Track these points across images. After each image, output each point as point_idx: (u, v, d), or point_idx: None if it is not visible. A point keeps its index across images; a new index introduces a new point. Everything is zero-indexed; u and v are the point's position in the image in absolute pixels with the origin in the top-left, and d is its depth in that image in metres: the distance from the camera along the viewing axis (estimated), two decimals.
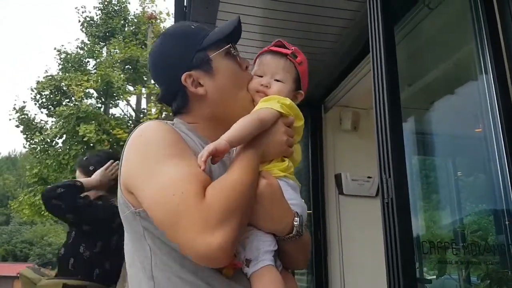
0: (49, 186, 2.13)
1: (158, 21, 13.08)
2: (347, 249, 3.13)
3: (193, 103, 0.92)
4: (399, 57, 1.41)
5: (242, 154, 0.82)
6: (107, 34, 12.33)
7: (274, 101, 0.91)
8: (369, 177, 3.34)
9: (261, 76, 0.97)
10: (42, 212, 10.80)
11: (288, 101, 0.93)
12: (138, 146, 0.83)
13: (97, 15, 12.58)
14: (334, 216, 3.19)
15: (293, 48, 1.01)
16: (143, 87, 11.94)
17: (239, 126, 0.82)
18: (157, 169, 0.75)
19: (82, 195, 1.95)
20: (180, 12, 2.99)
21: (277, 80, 0.96)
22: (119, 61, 11.50)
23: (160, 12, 13.15)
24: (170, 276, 0.76)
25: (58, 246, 38.97)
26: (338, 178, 3.30)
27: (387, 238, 1.11)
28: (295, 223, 0.84)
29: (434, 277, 1.85)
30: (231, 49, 0.94)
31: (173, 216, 0.71)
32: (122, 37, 12.26)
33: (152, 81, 12.60)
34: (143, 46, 12.40)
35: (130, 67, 11.75)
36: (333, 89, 3.29)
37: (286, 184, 0.88)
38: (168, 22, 16.02)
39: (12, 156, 75.33)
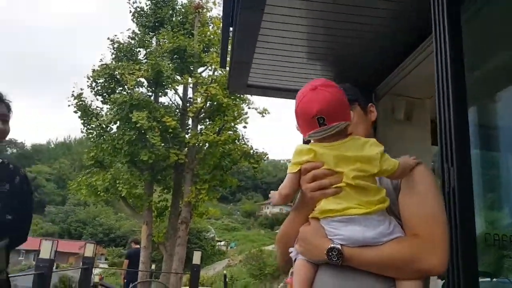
0: None
1: (205, 10, 13.25)
2: None
3: None
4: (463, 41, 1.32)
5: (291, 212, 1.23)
6: (156, 24, 12.65)
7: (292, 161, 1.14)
8: None
9: None
10: (98, 193, 11.55)
11: (297, 149, 1.13)
12: None
13: (147, 6, 12.94)
14: None
15: None
16: (190, 76, 12.22)
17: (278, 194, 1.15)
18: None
19: None
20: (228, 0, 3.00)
21: None
22: (167, 50, 11.82)
23: (207, 1, 13.26)
24: None
25: (109, 226, 41.41)
26: None
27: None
28: (329, 254, 1.06)
29: (490, 273, 1.74)
30: None
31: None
32: (170, 26, 12.53)
33: (199, 70, 12.86)
34: (190, 36, 12.64)
35: (177, 56, 12.05)
36: (386, 76, 3.16)
37: (328, 222, 1.08)
38: (215, 11, 16.15)
39: (67, 142, 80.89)
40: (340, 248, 1.05)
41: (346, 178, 1.06)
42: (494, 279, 1.75)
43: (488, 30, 1.80)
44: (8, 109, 1.65)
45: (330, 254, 1.05)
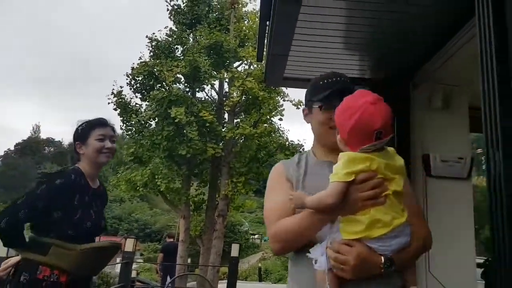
0: None
1: (240, 5, 13.33)
2: (433, 234, 2.97)
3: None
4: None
5: (312, 213, 1.20)
6: (193, 21, 12.83)
7: (339, 167, 1.14)
8: (460, 158, 3.13)
9: None
10: (137, 188, 12.00)
11: (350, 157, 1.13)
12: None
13: (183, 3, 13.09)
14: (421, 198, 3.05)
15: None
16: (226, 71, 12.39)
17: (308, 208, 1.20)
18: (267, 196, 1.39)
19: None
20: None
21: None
22: (204, 46, 12.03)
23: None
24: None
25: (144, 222, 42.42)
26: (426, 159, 3.14)
27: (492, 216, 1.04)
28: (385, 265, 1.14)
29: None
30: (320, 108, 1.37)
31: (266, 226, 1.35)
32: (207, 23, 12.71)
33: (235, 65, 12.99)
34: (226, 31, 12.79)
35: (214, 52, 12.24)
36: (423, 64, 3.09)
37: (377, 240, 1.13)
38: (250, 6, 16.14)
39: None
40: (391, 257, 1.16)
41: (395, 186, 1.14)
42: None
43: None
44: (114, 131, 1.96)
45: (386, 265, 1.15)
